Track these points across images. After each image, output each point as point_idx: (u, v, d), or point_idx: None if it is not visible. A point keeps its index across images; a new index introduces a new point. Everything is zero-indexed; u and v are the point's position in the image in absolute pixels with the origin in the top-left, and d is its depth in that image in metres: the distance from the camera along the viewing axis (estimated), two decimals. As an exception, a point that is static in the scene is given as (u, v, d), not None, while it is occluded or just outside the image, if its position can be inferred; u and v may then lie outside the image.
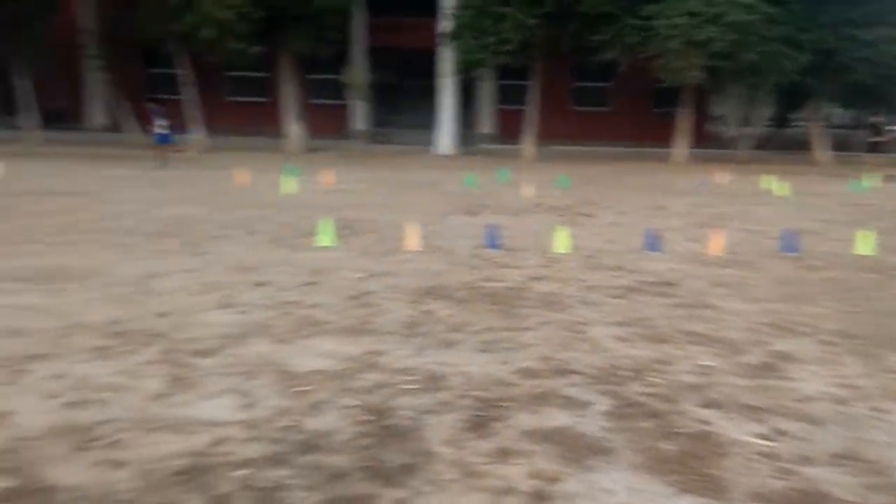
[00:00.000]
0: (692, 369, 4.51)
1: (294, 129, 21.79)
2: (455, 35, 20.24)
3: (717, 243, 8.37)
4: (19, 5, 18.56)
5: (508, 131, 25.37)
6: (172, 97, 24.86)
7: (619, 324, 5.45)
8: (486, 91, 26.12)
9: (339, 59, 24.48)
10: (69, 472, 2.99)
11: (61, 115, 26.62)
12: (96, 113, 25.50)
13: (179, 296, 5.78)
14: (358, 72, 21.42)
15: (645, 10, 18.51)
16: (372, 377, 4.18)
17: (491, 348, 4.78)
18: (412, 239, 8.05)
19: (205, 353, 4.46)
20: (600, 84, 28.63)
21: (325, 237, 8.07)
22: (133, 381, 4.00)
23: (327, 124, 25.94)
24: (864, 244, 8.55)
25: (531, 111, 21.31)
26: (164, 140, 16.85)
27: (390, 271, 6.91)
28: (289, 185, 12.77)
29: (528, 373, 4.34)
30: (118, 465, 3.07)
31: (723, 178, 16.22)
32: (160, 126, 16.87)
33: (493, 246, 8.16)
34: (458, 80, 21.64)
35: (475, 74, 20.76)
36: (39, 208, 10.10)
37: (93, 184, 13.11)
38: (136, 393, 3.84)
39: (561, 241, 8.20)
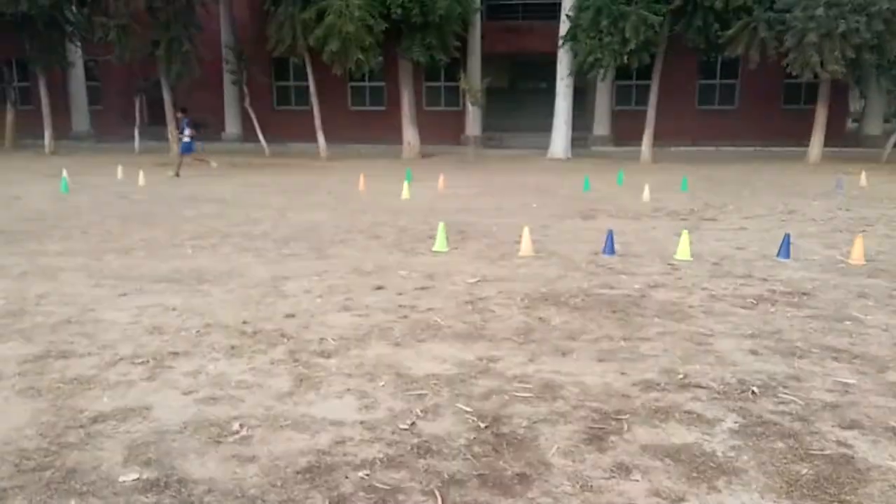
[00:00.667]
0: (830, 387, 4.18)
1: (409, 135, 22.26)
2: (572, 36, 19.96)
3: (858, 250, 7.73)
4: (168, 25, 20.14)
5: (625, 133, 24.70)
6: (299, 108, 26.25)
7: (748, 336, 5.15)
8: (603, 92, 25.58)
9: (455, 66, 24.80)
10: (203, 466, 3.19)
11: (205, 127, 28.65)
12: (232, 124, 27.22)
13: (305, 298, 6.05)
14: (473, 78, 21.58)
15: (779, 1, 17.42)
16: (486, 383, 4.18)
17: (608, 358, 4.66)
18: (526, 243, 8.01)
19: (328, 354, 4.64)
20: (727, 81, 27.29)
21: (440, 242, 8.18)
22: (262, 379, 4.22)
23: (443, 131, 26.34)
24: None
25: (650, 111, 20.62)
26: (187, 149, 17.18)
27: (504, 276, 6.90)
28: (405, 190, 13.07)
29: (649, 385, 4.19)
30: (248, 460, 3.25)
31: (863, 179, 14.97)
32: (186, 135, 17.15)
33: (611, 251, 7.96)
34: (573, 83, 21.31)
35: (591, 76, 20.26)
36: (180, 214, 10.91)
37: (227, 191, 14.00)
38: (264, 391, 4.04)
39: (683, 247, 7.87)
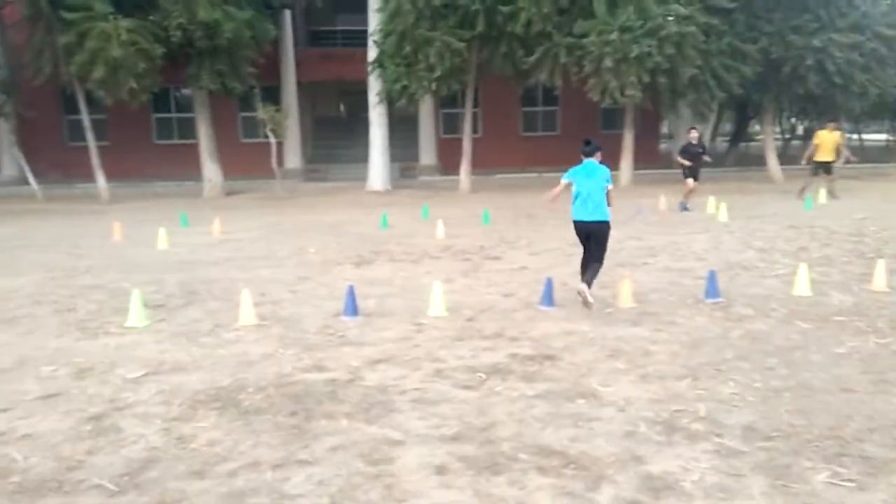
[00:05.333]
0: (513, 532, 2.98)
1: (210, 171, 20.19)
2: (379, 63, 18.90)
3: (626, 291, 6.91)
4: None
5: (452, 162, 23.96)
6: (89, 144, 23.36)
7: (449, 439, 3.90)
8: (427, 120, 24.79)
9: (274, 95, 23.10)
10: None
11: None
12: (8, 165, 23.75)
13: None
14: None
15: (577, 27, 17.30)
16: None
17: (224, 509, 3.21)
18: (247, 310, 6.48)
19: None
20: (548, 108, 27.61)
21: (135, 315, 6.46)
22: None
23: (262, 164, 24.44)
24: (802, 281, 7.14)
25: (465, 140, 19.93)
26: None
27: (188, 363, 5.32)
28: (167, 238, 11.17)
29: (246, 564, 2.77)
30: None
31: (662, 203, 14.87)
32: None
33: (352, 313, 6.60)
34: (385, 111, 20.22)
35: (401, 105, 19.23)
36: None
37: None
38: None
39: (437, 301, 6.68)
